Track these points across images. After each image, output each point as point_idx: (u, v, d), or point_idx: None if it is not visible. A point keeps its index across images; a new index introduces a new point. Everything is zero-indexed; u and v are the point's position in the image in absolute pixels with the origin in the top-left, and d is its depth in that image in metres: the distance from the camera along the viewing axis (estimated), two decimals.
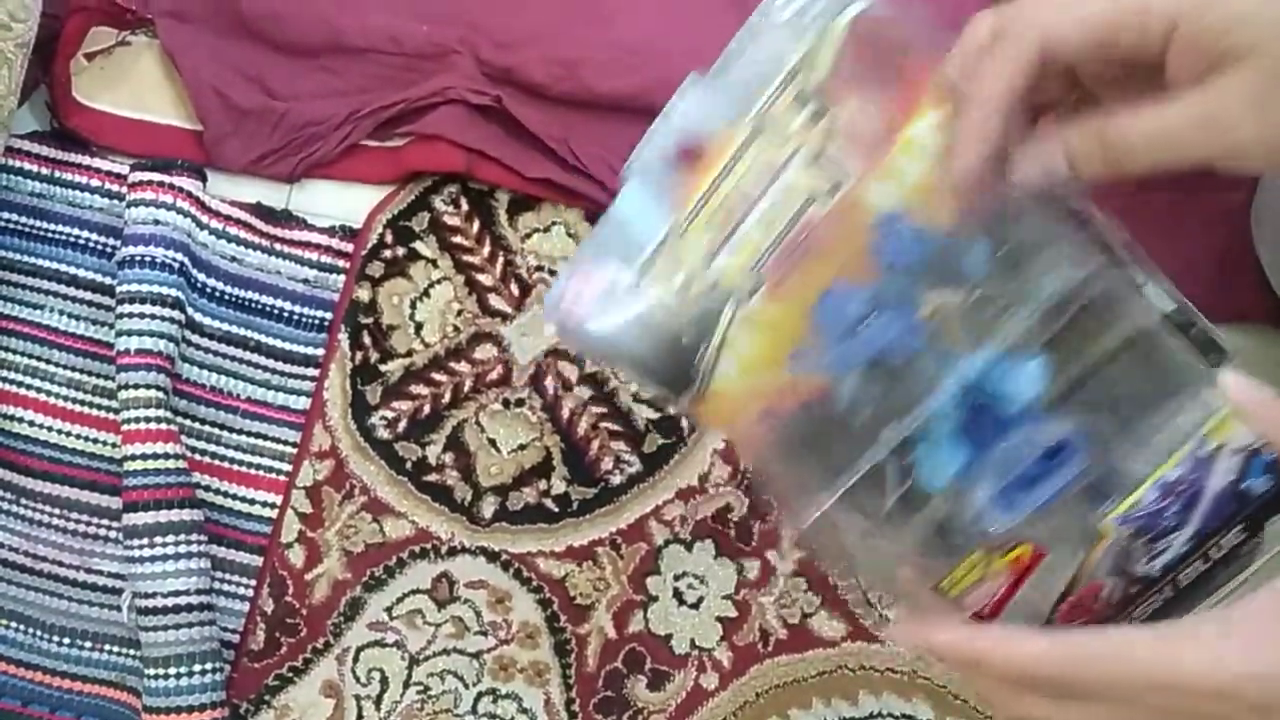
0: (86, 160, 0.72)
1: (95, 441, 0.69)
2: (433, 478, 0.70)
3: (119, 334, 0.67)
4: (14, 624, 0.68)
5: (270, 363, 0.71)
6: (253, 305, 0.71)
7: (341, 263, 0.72)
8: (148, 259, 0.68)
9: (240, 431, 0.70)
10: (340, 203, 0.73)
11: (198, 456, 0.69)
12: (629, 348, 0.34)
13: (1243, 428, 0.33)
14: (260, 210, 0.72)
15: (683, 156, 0.36)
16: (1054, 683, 0.32)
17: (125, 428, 0.65)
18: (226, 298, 0.71)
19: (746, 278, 0.35)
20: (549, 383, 0.70)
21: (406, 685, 0.68)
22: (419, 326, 0.71)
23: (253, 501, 0.69)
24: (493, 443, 0.70)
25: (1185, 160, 0.34)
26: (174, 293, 0.68)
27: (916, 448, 0.34)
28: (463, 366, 0.71)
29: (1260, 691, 0.29)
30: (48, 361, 0.70)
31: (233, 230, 0.71)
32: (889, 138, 0.35)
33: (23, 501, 0.69)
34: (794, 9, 0.35)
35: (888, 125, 0.35)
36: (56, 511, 0.68)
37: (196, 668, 0.64)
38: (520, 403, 0.70)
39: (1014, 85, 0.34)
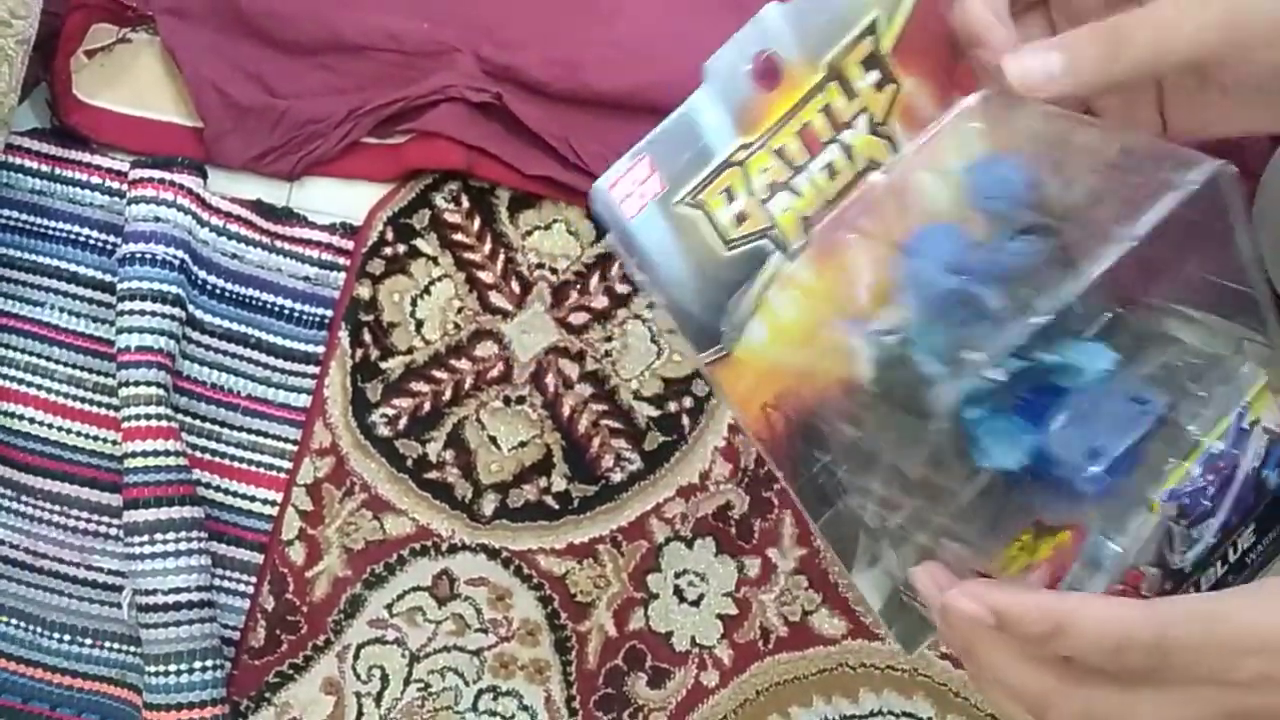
0: (87, 157, 0.72)
1: (96, 439, 0.69)
2: (433, 475, 0.70)
3: (119, 331, 0.67)
4: (14, 621, 0.68)
5: (271, 360, 0.71)
6: (253, 302, 0.71)
7: (342, 260, 0.72)
8: (148, 256, 0.68)
9: (241, 429, 0.70)
10: (341, 200, 0.73)
11: (198, 454, 0.69)
12: (665, 264, 0.33)
13: (1275, 403, 0.32)
14: (261, 207, 0.72)
15: (760, 73, 0.35)
16: (1148, 650, 0.28)
17: (126, 425, 0.65)
18: (227, 295, 0.71)
19: (799, 230, 0.34)
20: (550, 380, 0.70)
21: (407, 682, 0.68)
22: (419, 324, 0.71)
23: (253, 499, 0.69)
24: (493, 440, 0.70)
25: (1187, 53, 0.31)
26: (175, 290, 0.68)
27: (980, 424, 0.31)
28: (463, 364, 0.71)
29: None
30: (48, 359, 0.70)
31: (233, 227, 0.71)
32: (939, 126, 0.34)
33: (23, 498, 0.69)
34: None
35: (937, 110, 0.35)
36: (57, 508, 0.68)
37: (197, 665, 0.64)
38: (521, 400, 0.70)
39: None
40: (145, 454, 0.65)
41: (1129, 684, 0.29)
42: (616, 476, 0.69)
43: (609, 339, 0.71)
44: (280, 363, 0.71)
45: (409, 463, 0.70)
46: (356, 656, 0.68)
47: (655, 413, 0.70)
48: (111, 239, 0.71)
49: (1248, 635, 0.28)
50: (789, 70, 0.36)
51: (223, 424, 0.70)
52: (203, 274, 0.70)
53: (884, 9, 0.35)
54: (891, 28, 0.35)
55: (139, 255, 0.68)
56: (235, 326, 0.71)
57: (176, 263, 0.68)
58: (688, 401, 0.70)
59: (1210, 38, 0.30)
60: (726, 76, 0.35)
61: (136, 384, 0.66)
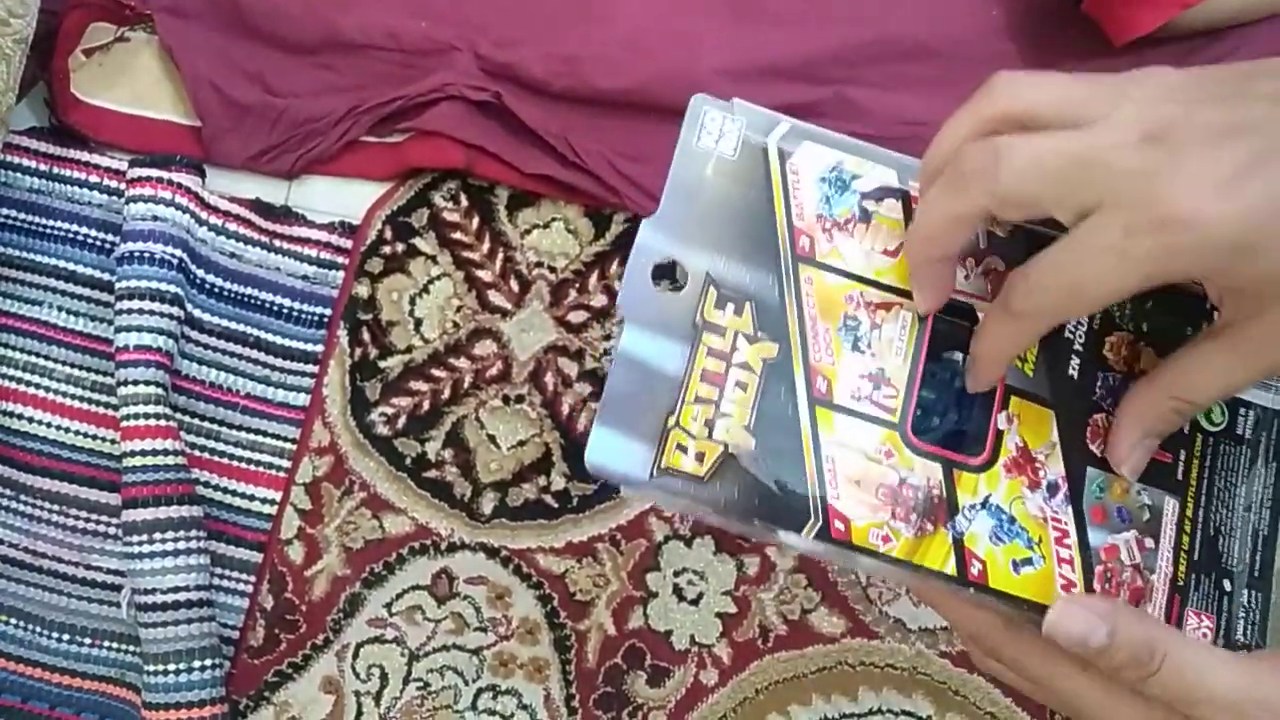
0: (85, 156, 0.72)
1: (94, 438, 0.69)
2: (432, 474, 0.70)
3: (118, 330, 0.67)
4: (13, 620, 0.68)
5: (269, 359, 0.71)
6: (252, 301, 0.71)
7: (341, 259, 0.72)
8: (147, 255, 0.68)
9: (239, 428, 0.70)
10: (339, 199, 0.73)
11: (197, 453, 0.69)
12: (683, 505, 0.34)
13: None
14: (259, 206, 0.72)
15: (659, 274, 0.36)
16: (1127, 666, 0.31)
17: (124, 424, 0.65)
18: (226, 294, 0.71)
19: (745, 435, 0.35)
20: (549, 379, 0.70)
21: (406, 681, 0.68)
22: (418, 322, 0.71)
23: (252, 498, 0.69)
24: (492, 439, 0.70)
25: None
26: (173, 289, 0.68)
27: None
28: (462, 362, 0.71)
29: None
30: (47, 358, 0.70)
31: (232, 226, 0.71)
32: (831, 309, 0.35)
33: (22, 498, 0.69)
34: (715, 135, 0.35)
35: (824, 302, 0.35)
36: (56, 508, 0.68)
37: (196, 664, 0.64)
38: (520, 399, 0.70)
39: (954, 235, 0.32)
40: (144, 453, 0.65)
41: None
42: None
43: (608, 337, 0.71)
44: (279, 361, 0.71)
45: (408, 461, 0.70)
46: (356, 655, 0.68)
47: None
48: (110, 238, 0.71)
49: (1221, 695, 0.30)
50: (683, 264, 0.36)
51: (222, 423, 0.70)
52: (201, 273, 0.70)
53: (747, 196, 0.35)
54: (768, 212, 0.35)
55: (138, 254, 0.68)
56: (234, 325, 0.70)
57: (175, 261, 0.68)
58: None
59: None
60: (637, 307, 0.35)
61: (135, 383, 0.66)
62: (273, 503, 0.69)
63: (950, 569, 0.33)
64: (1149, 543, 0.34)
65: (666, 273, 0.35)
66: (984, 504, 0.34)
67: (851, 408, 0.34)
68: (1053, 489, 0.34)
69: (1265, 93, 0.28)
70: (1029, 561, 0.34)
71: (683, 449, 0.34)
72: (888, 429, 0.34)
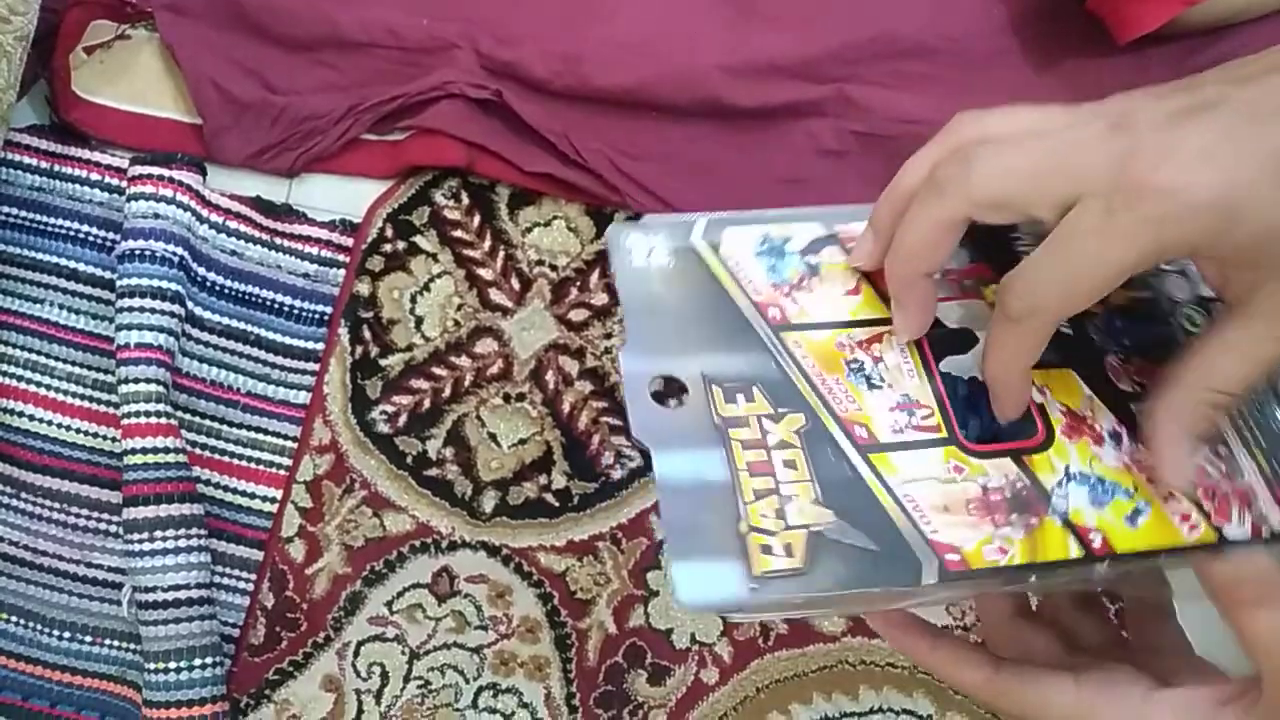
0: (86, 154, 0.72)
1: (95, 436, 0.69)
2: (433, 472, 0.70)
3: (119, 328, 0.67)
4: (14, 618, 0.68)
5: (270, 357, 0.71)
6: (253, 299, 0.71)
7: (342, 257, 0.71)
8: (148, 253, 0.68)
9: (240, 426, 0.70)
10: (340, 197, 0.73)
11: (198, 451, 0.69)
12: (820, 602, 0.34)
13: None
14: (260, 204, 0.72)
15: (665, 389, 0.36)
16: (986, 707, 0.36)
17: (125, 422, 0.65)
18: (226, 292, 0.71)
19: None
20: (549, 377, 0.70)
21: (407, 680, 0.68)
22: (419, 321, 0.71)
23: (253, 496, 0.69)
24: (493, 437, 0.70)
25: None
26: (174, 287, 0.68)
27: None
28: (463, 361, 0.71)
29: None
30: (48, 356, 0.70)
31: (233, 224, 0.71)
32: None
33: (23, 496, 0.69)
34: (644, 254, 0.35)
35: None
36: (57, 506, 0.68)
37: (197, 662, 0.64)
38: (521, 397, 0.70)
39: (939, 243, 0.32)
40: (145, 451, 0.65)
41: None
42: (616, 473, 0.69)
43: (609, 335, 0.71)
44: (280, 360, 0.71)
45: (409, 460, 0.70)
46: (356, 654, 0.68)
47: None
48: (111, 236, 0.71)
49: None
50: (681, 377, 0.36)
51: (222, 421, 0.70)
52: (202, 271, 0.70)
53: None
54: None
55: (138, 252, 0.67)
56: (235, 323, 0.70)
57: (176, 259, 0.68)
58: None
59: None
60: (652, 430, 0.35)
61: (136, 381, 0.66)
62: (274, 501, 0.69)
63: (1075, 552, 0.32)
64: (1222, 449, 0.34)
65: (667, 391, 0.35)
66: (1068, 477, 0.33)
67: (900, 441, 0.34)
68: (1116, 437, 0.34)
69: (1212, 79, 0.29)
70: (1138, 512, 0.33)
71: (768, 550, 0.32)
72: (944, 446, 0.34)
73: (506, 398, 0.70)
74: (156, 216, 0.68)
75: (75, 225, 0.71)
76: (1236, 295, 0.30)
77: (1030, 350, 0.32)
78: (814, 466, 0.33)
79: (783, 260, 0.36)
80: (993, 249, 0.36)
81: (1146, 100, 0.29)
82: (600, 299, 0.71)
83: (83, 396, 0.69)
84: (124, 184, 0.70)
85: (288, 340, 0.71)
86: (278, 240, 0.72)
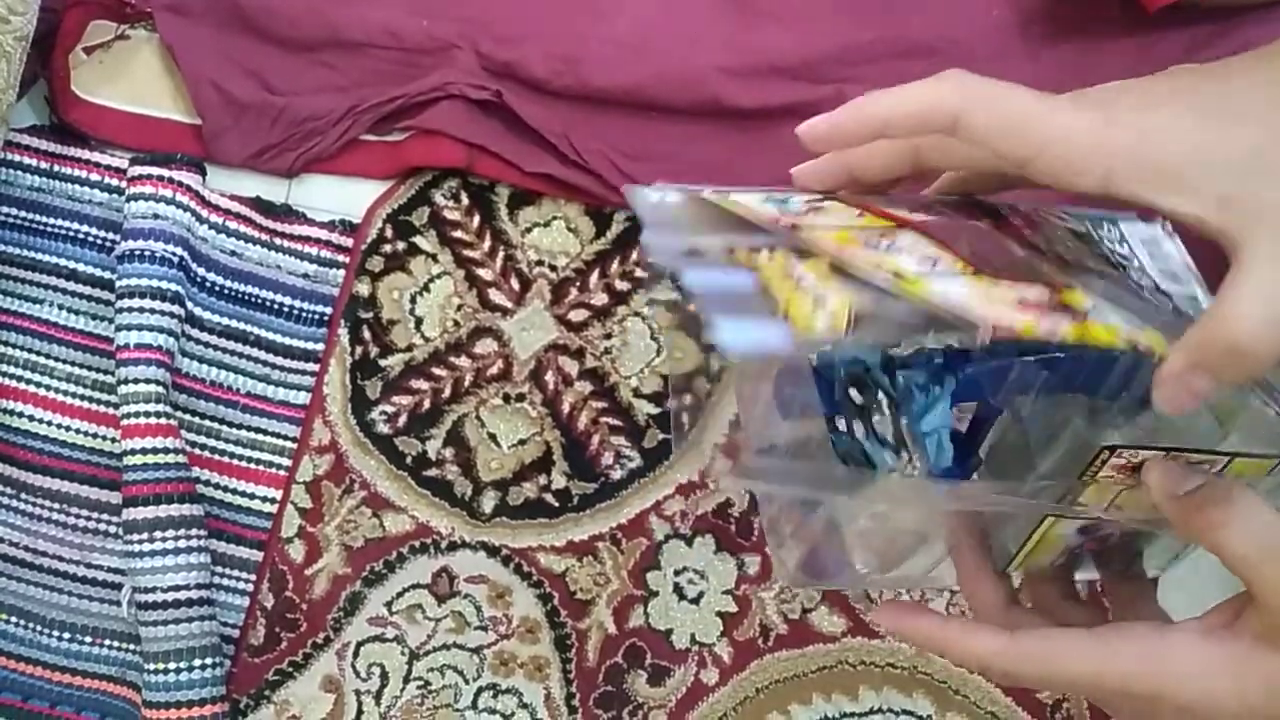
0: (85, 154, 0.72)
1: (95, 436, 0.69)
2: (433, 472, 0.70)
3: (119, 328, 0.67)
4: (14, 619, 0.68)
5: (270, 357, 0.71)
6: (252, 300, 0.71)
7: (341, 257, 0.71)
8: (147, 253, 0.67)
9: (240, 426, 0.70)
10: (340, 197, 0.73)
11: (198, 451, 0.69)
12: None
13: None
14: (260, 204, 0.72)
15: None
16: (1002, 676, 0.36)
17: (125, 422, 0.65)
18: (226, 292, 0.71)
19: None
20: (549, 377, 0.70)
21: (406, 680, 0.68)
22: (419, 321, 0.71)
23: (253, 496, 0.69)
24: (493, 437, 0.70)
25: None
26: (174, 287, 0.68)
27: None
28: (463, 361, 0.71)
29: (1183, 693, 0.32)
30: (47, 356, 0.70)
31: (232, 224, 0.71)
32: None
33: (22, 496, 0.68)
34: (660, 196, 0.36)
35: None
36: (56, 506, 0.68)
37: (196, 663, 0.64)
38: (520, 397, 0.70)
39: (907, 117, 0.34)
40: (145, 451, 0.65)
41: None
42: (616, 474, 0.69)
43: (609, 336, 0.71)
44: (280, 360, 0.71)
45: (408, 460, 0.70)
46: (356, 654, 0.68)
47: (655, 410, 0.70)
48: (111, 236, 0.71)
49: (1080, 677, 0.34)
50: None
51: (222, 421, 0.70)
52: (202, 271, 0.70)
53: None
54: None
55: (138, 252, 0.67)
56: (234, 324, 0.70)
57: (176, 260, 0.68)
58: (688, 399, 0.70)
59: (1117, 167, 0.32)
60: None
61: (136, 381, 0.66)
62: (273, 501, 0.69)
63: (1122, 343, 0.32)
64: None
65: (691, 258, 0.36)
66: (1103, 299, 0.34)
67: (931, 272, 0.34)
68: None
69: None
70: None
71: (813, 309, 0.33)
72: (975, 275, 0.34)
73: (506, 398, 0.70)
74: (156, 217, 0.68)
75: (74, 225, 0.71)
76: (1231, 250, 0.31)
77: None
78: (848, 285, 0.33)
79: (787, 204, 0.37)
80: None
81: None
82: (600, 299, 0.71)
83: (82, 397, 0.69)
84: (123, 184, 0.70)
85: (287, 341, 0.71)
86: (277, 240, 0.72)
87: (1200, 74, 0.34)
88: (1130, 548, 0.41)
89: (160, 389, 0.66)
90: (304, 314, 0.71)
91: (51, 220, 0.71)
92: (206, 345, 0.70)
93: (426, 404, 0.70)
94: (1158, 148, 0.31)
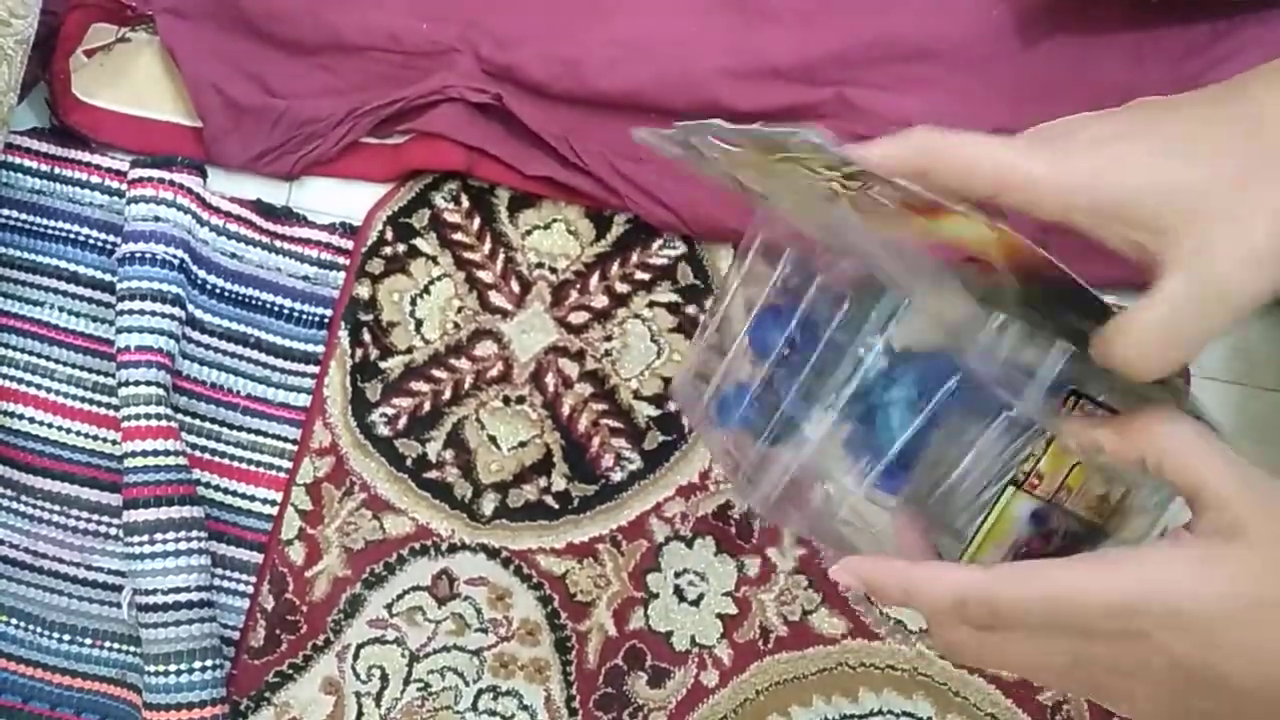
0: (86, 157, 0.72)
1: (96, 438, 0.69)
2: (433, 475, 0.70)
3: (119, 331, 0.67)
4: (15, 621, 0.68)
5: (270, 360, 0.71)
6: (253, 302, 0.71)
7: (341, 259, 0.72)
8: (148, 256, 0.68)
9: (240, 428, 0.70)
10: (340, 200, 0.73)
11: (198, 453, 0.69)
12: None
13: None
14: (260, 207, 0.72)
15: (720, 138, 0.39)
16: (976, 606, 0.35)
17: (125, 424, 0.65)
18: (227, 294, 0.71)
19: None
20: (549, 380, 0.70)
21: (407, 682, 0.68)
22: (419, 323, 0.71)
23: (253, 498, 0.69)
24: (493, 440, 0.70)
25: (1056, 214, 0.36)
26: (174, 289, 0.68)
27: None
28: (463, 363, 0.71)
29: (1170, 596, 0.32)
30: (48, 358, 0.70)
31: (233, 227, 0.71)
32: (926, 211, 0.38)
33: (23, 498, 0.69)
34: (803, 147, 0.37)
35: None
36: (57, 508, 0.68)
37: (197, 664, 0.64)
38: (521, 400, 0.70)
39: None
40: (145, 454, 0.65)
41: (982, 628, 0.35)
42: (616, 476, 0.69)
43: (609, 338, 0.71)
44: (280, 362, 0.71)
45: (408, 462, 0.70)
46: (356, 656, 0.68)
47: (655, 412, 0.70)
48: (111, 238, 0.71)
49: (1061, 593, 0.33)
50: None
51: (222, 423, 0.70)
52: (202, 273, 0.70)
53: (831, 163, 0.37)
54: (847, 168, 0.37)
55: (139, 255, 0.68)
56: (235, 326, 0.71)
57: (176, 262, 0.68)
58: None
59: (1076, 201, 0.34)
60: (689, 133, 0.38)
61: (136, 383, 0.66)
62: (273, 503, 0.69)
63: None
64: None
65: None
66: None
67: None
68: None
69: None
70: None
71: None
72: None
73: (506, 400, 0.70)
74: (156, 219, 0.68)
75: (75, 228, 0.71)
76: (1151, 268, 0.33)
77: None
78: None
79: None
80: None
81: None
82: (600, 301, 0.71)
83: (83, 399, 0.69)
84: (124, 187, 0.70)
85: (288, 343, 0.71)
86: (278, 243, 0.72)
87: (1160, 108, 0.36)
88: (1074, 553, 0.42)
89: (161, 391, 0.66)
90: (304, 316, 0.71)
91: (52, 223, 0.71)
92: (207, 347, 0.70)
93: (427, 406, 0.70)
94: (1110, 183, 0.33)
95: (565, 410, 0.70)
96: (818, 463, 0.39)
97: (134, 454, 0.65)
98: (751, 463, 0.41)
